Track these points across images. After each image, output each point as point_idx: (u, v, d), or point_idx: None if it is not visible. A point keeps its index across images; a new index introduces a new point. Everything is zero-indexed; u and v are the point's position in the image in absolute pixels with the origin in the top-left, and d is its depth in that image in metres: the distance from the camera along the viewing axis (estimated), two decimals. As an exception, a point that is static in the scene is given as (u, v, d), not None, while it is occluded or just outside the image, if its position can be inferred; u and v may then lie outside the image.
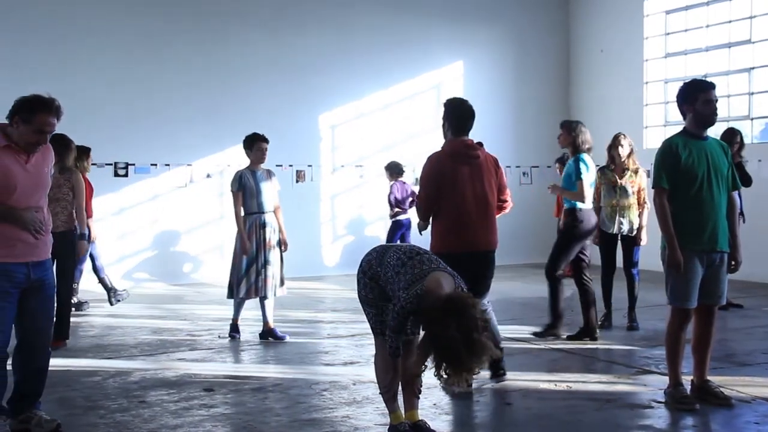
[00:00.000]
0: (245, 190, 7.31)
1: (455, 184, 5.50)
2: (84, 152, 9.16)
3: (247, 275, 7.28)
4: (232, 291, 7.37)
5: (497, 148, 13.30)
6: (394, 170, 11.41)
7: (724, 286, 5.24)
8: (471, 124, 5.73)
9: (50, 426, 4.67)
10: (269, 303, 7.39)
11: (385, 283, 4.34)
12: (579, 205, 7.20)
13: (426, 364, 3.96)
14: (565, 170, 7.37)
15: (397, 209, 11.19)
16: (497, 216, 5.79)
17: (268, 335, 7.40)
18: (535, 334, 7.34)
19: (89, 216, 8.93)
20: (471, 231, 5.51)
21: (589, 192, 7.20)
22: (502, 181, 5.82)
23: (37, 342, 4.67)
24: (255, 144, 7.40)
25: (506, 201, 5.86)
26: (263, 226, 7.34)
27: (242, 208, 7.35)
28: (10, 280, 4.44)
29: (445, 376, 3.85)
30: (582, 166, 7.13)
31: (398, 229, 11.23)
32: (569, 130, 7.31)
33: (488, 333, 3.82)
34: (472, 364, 3.78)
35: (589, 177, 7.16)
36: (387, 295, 4.37)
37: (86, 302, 9.45)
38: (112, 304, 9.28)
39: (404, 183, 11.42)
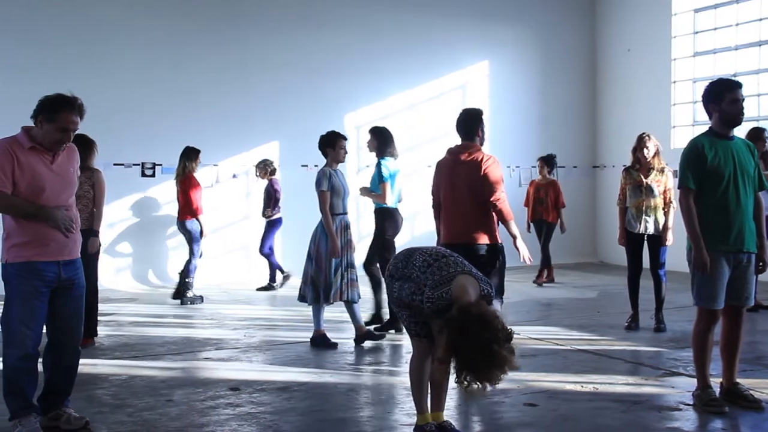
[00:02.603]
0: (333, 189, 7.08)
1: (440, 183, 6.23)
2: (194, 152, 9.80)
3: (335, 279, 7.02)
4: (318, 296, 7.01)
5: (523, 148, 13.37)
6: (269, 167, 10.95)
7: (752, 287, 5.19)
8: (469, 127, 6.16)
9: (79, 423, 4.73)
10: (357, 306, 7.15)
11: (415, 283, 4.34)
12: (385, 206, 7.68)
13: (449, 370, 3.96)
14: (372, 175, 7.84)
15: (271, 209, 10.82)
16: (502, 215, 5.97)
17: (365, 338, 7.14)
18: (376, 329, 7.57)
19: (199, 213, 9.60)
20: (449, 224, 6.12)
21: (390, 193, 7.66)
22: (486, 180, 5.95)
23: (67, 341, 4.72)
24: (338, 142, 7.19)
25: (491, 202, 5.95)
26: (347, 227, 7.18)
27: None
28: (42, 279, 4.51)
29: (466, 383, 3.84)
30: (384, 170, 7.67)
31: (276, 227, 10.87)
32: (375, 135, 7.84)
33: (510, 345, 3.80)
34: (490, 375, 3.77)
35: (391, 180, 7.68)
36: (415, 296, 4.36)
37: (201, 297, 9.78)
38: (182, 303, 9.56)
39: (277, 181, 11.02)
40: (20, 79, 10.29)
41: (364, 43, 12.71)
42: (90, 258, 6.73)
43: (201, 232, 9.73)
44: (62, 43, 10.83)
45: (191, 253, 9.73)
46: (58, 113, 4.45)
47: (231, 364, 6.55)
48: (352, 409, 5.21)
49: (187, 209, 9.65)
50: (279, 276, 10.84)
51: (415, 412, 4.53)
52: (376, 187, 7.74)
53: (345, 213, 7.19)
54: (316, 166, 12.33)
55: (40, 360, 4.70)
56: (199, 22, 11.74)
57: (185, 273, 9.69)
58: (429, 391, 4.51)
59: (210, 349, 7.11)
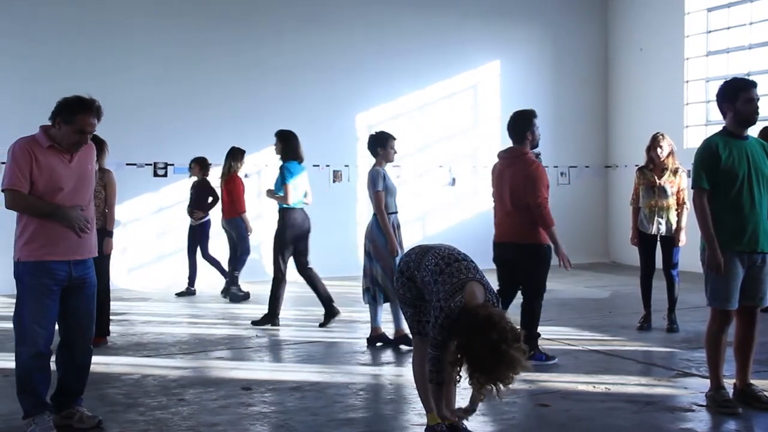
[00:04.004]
0: (387, 189, 7.06)
1: (493, 184, 6.57)
2: (239, 152, 10.06)
3: None
4: (386, 296, 6.97)
5: (535, 148, 13.30)
6: (206, 165, 10.47)
7: (766, 287, 5.14)
8: (518, 130, 6.41)
9: (92, 422, 4.75)
10: (381, 308, 7.14)
11: (422, 286, 4.34)
12: (286, 206, 8.01)
13: (459, 373, 3.95)
14: (276, 177, 8.14)
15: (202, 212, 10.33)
16: (542, 220, 6.17)
17: (378, 341, 7.12)
18: (253, 322, 8.14)
19: (243, 211, 9.94)
20: (497, 225, 6.50)
21: (293, 195, 7.95)
22: (528, 185, 6.18)
23: (79, 340, 4.75)
24: (389, 142, 7.19)
25: (533, 207, 6.15)
26: (399, 226, 7.19)
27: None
28: (53, 277, 4.53)
29: (479, 385, 3.85)
30: (287, 173, 7.96)
31: (208, 230, 10.46)
32: (280, 140, 8.19)
33: (519, 345, 3.79)
34: (501, 376, 3.77)
35: (294, 182, 7.99)
36: (424, 295, 4.37)
37: (247, 293, 9.97)
38: (224, 296, 9.90)
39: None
40: (33, 78, 10.37)
41: (375, 42, 12.71)
42: (102, 257, 6.76)
43: (246, 228, 9.99)
44: (75, 42, 10.89)
45: (242, 249, 10.01)
46: (75, 115, 4.49)
47: (243, 363, 6.57)
48: (364, 409, 5.21)
49: (232, 208, 9.88)
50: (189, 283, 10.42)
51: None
52: (280, 188, 8.03)
53: (396, 212, 7.21)
54: (327, 166, 12.44)
55: (53, 359, 4.73)
56: (210, 22, 11.77)
57: (233, 267, 9.98)
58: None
59: (222, 349, 7.12)
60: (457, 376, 3.98)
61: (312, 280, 8.11)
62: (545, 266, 6.34)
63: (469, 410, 4.25)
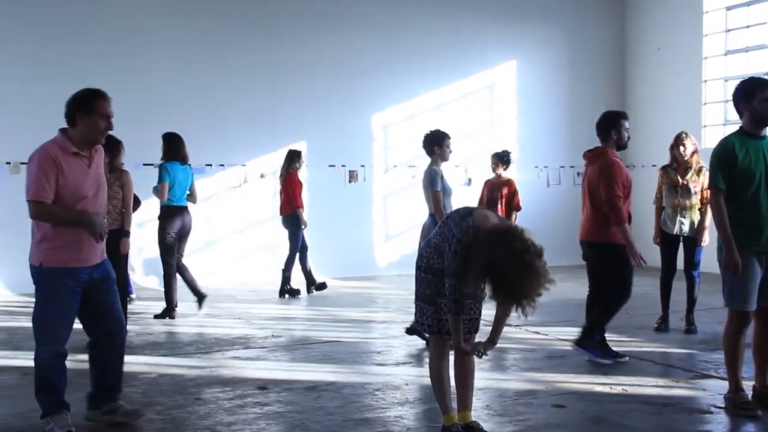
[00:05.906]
0: (444, 190, 7.07)
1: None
2: (296, 154, 10.51)
3: None
4: None
5: (551, 148, 13.31)
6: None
7: (784, 288, 5.10)
8: (603, 130, 6.52)
9: (136, 415, 4.84)
10: None
11: (438, 248, 4.29)
12: (165, 204, 8.55)
13: (484, 290, 3.93)
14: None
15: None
16: (611, 217, 6.22)
17: (415, 333, 7.14)
18: (155, 316, 8.64)
19: (299, 206, 10.27)
20: (581, 223, 6.59)
21: (167, 193, 8.48)
22: (600, 182, 6.28)
23: (119, 329, 4.79)
24: (445, 140, 7.19)
25: (603, 204, 6.25)
26: None
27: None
28: (76, 280, 4.57)
29: (503, 301, 3.89)
30: (164, 172, 8.49)
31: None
32: (163, 141, 8.68)
33: (542, 259, 3.78)
34: (526, 288, 3.75)
35: (171, 181, 8.51)
36: (443, 292, 4.32)
37: (298, 290, 10.28)
38: (309, 293, 10.27)
39: None
40: (46, 77, 10.43)
41: (391, 43, 12.71)
42: (119, 257, 6.80)
43: (300, 224, 10.30)
44: (90, 41, 10.94)
45: (293, 247, 10.28)
46: (93, 103, 4.52)
47: (259, 363, 6.58)
48: (380, 409, 5.21)
49: (289, 204, 10.26)
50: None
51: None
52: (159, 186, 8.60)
53: None
54: (343, 166, 12.45)
55: (86, 357, 4.77)
56: (226, 23, 11.81)
57: (286, 266, 10.26)
58: (458, 390, 4.51)
59: (238, 348, 7.14)
60: (481, 294, 3.95)
61: (181, 272, 8.77)
62: (624, 266, 6.30)
63: (490, 344, 4.26)
